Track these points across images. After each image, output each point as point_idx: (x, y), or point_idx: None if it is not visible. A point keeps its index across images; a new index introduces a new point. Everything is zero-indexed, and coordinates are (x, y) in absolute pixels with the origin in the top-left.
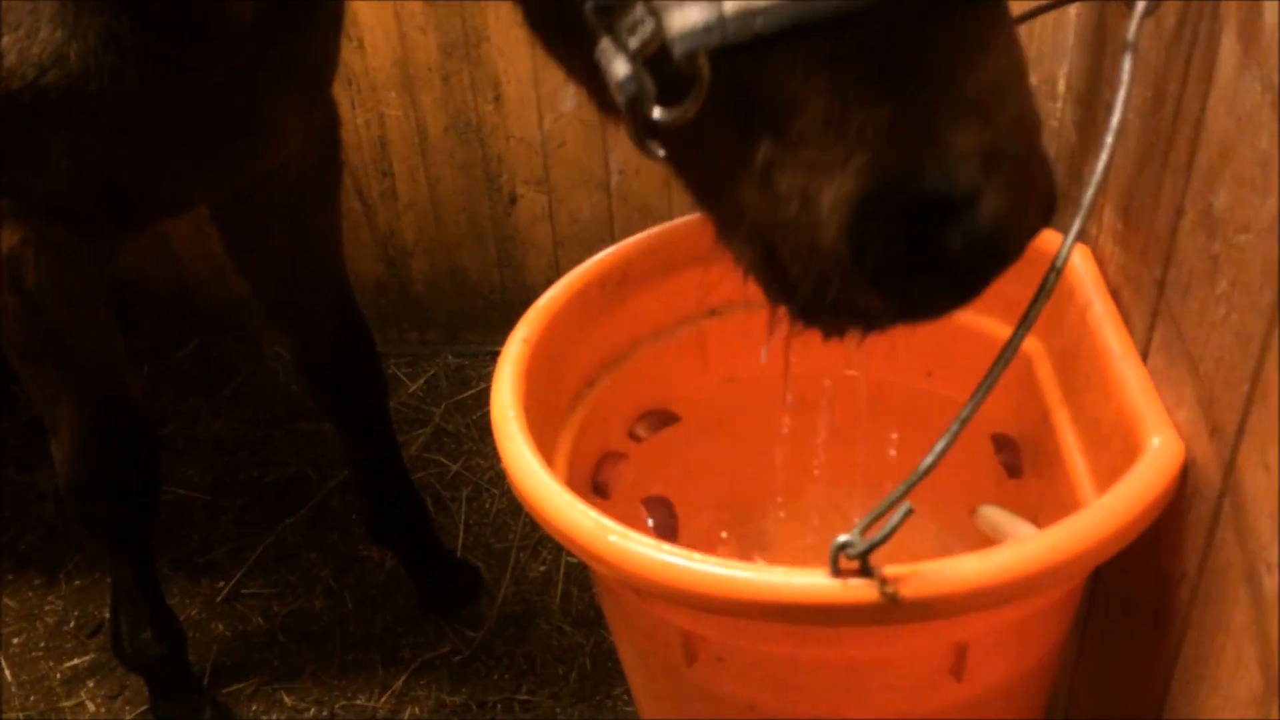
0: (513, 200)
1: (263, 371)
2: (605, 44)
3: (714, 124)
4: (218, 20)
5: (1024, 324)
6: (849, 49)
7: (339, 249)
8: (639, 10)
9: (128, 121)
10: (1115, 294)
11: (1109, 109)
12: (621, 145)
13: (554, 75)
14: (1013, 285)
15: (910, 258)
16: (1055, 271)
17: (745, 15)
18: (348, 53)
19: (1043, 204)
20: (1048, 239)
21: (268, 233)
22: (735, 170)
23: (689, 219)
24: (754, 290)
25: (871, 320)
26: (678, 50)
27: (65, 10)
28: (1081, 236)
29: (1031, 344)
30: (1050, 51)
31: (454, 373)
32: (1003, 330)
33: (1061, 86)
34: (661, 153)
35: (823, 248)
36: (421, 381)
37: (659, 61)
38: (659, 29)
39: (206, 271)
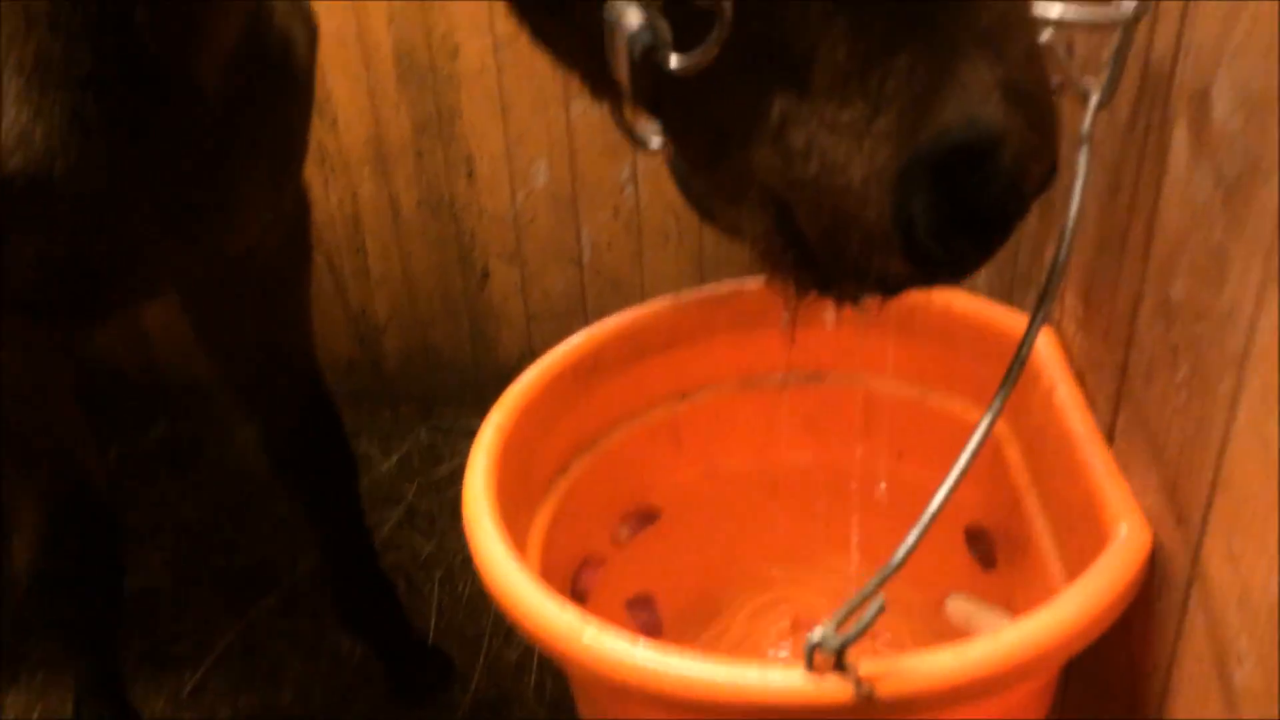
0: (485, 275)
1: (232, 453)
2: None
3: (724, 78)
4: (185, 93)
5: (992, 411)
6: None
7: (309, 332)
8: None
9: (94, 205)
10: (1079, 377)
11: (1067, 194)
12: (593, 220)
13: (526, 151)
14: (980, 365)
15: (952, 222)
16: (1020, 362)
17: None
18: (321, 131)
19: (1052, 139)
20: (1012, 320)
21: (236, 317)
22: (746, 128)
23: (660, 302)
24: (725, 370)
25: (896, 285)
26: None
27: (30, 88)
28: (1045, 319)
29: (1000, 427)
30: None
31: (427, 450)
32: (971, 411)
33: None
34: (655, 141)
35: (862, 219)
36: (394, 459)
37: (669, 10)
38: None
39: (176, 350)
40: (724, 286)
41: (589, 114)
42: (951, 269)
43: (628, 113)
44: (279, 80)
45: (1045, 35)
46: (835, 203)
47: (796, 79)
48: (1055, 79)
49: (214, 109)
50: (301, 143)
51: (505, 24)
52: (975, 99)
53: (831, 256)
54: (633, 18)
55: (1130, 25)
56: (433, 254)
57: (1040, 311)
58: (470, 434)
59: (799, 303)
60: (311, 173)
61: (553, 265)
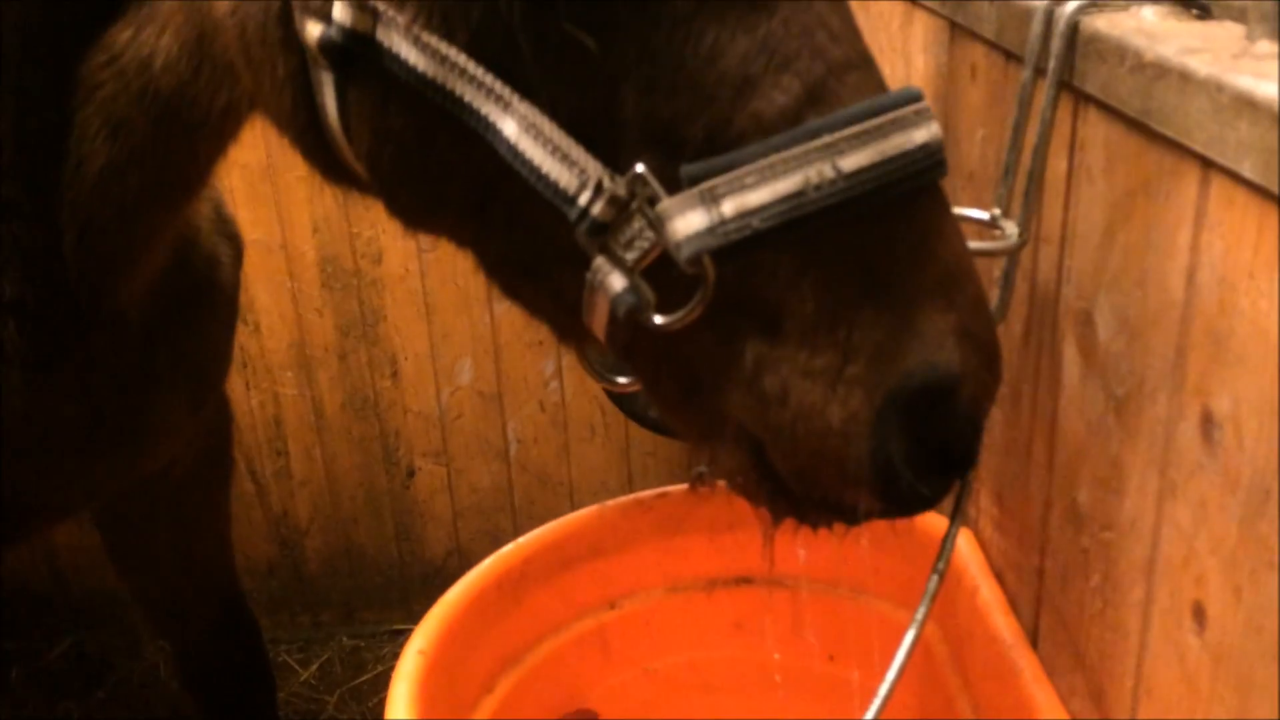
0: (411, 474)
1: (142, 668)
2: (600, 263)
3: (699, 329)
4: (109, 319)
5: (916, 625)
6: (828, 246)
7: (226, 547)
8: (636, 225)
9: (10, 428)
10: (999, 577)
11: None
12: (519, 415)
13: (451, 350)
14: (902, 566)
15: (926, 462)
16: (939, 574)
17: (743, 215)
18: (244, 336)
19: (1000, 375)
20: (934, 522)
21: (150, 535)
22: (721, 374)
23: (585, 512)
24: (652, 577)
25: (867, 516)
26: (685, 253)
27: None
28: (963, 520)
29: (929, 628)
30: None
31: (349, 656)
32: (899, 611)
33: None
34: (622, 380)
35: (840, 458)
36: (314, 668)
37: (652, 274)
38: (661, 238)
39: (83, 561)
40: (649, 494)
41: (512, 312)
42: (922, 501)
43: (593, 354)
44: (204, 301)
45: None
46: (812, 443)
47: (768, 330)
48: None
49: (137, 333)
50: (225, 359)
51: None
52: (934, 345)
53: (806, 490)
54: (616, 282)
55: (1014, 252)
56: (356, 454)
57: (956, 524)
58: (395, 636)
59: (773, 531)
60: (233, 378)
61: (479, 461)
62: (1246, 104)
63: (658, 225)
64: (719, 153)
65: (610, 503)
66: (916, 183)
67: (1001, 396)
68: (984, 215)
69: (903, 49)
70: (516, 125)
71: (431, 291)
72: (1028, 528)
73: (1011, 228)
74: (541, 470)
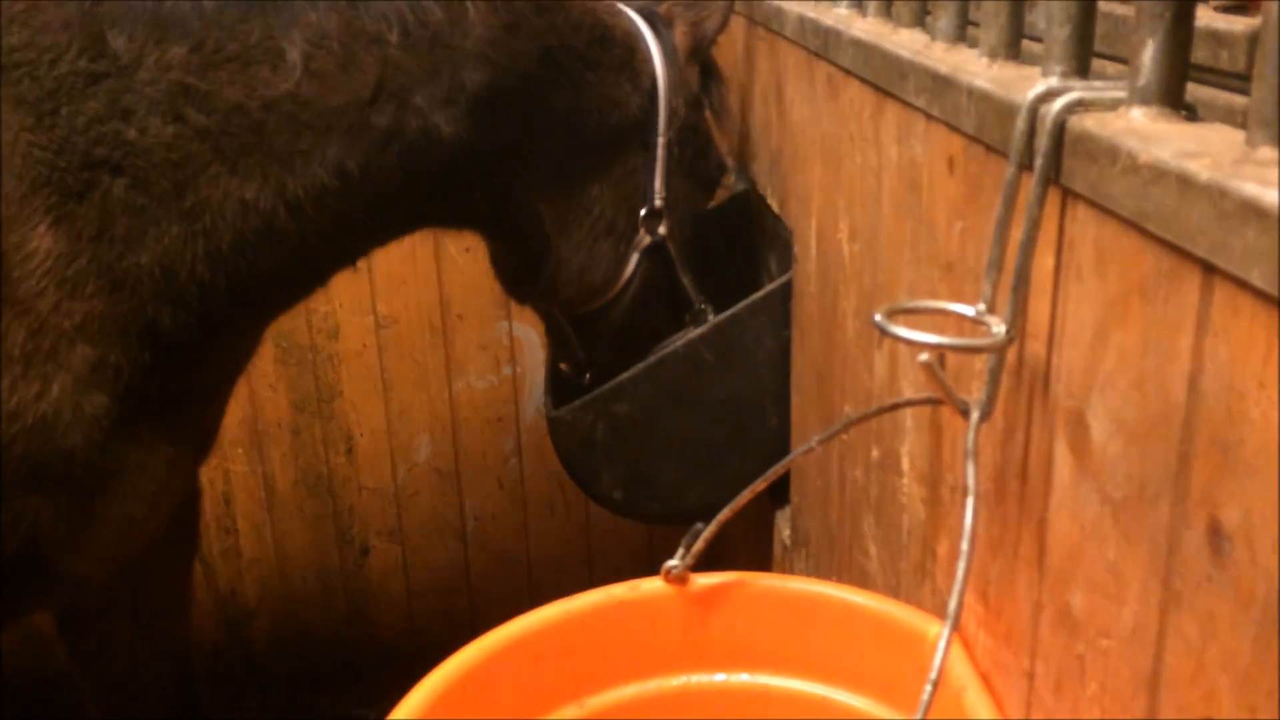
0: (364, 552)
1: None
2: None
3: None
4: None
5: None
6: None
7: (187, 629)
8: None
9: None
10: (985, 678)
11: (953, 491)
12: (477, 493)
13: (408, 427)
14: (881, 662)
15: None
16: (932, 683)
17: None
18: None
19: None
20: (909, 615)
21: (109, 611)
22: None
23: (552, 608)
24: (622, 676)
25: None
26: None
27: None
28: (955, 626)
29: None
30: (891, 429)
31: None
32: (876, 709)
33: (905, 464)
34: None
35: None
36: None
37: None
38: None
39: (18, 644)
40: (620, 587)
41: (471, 389)
42: None
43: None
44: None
45: (923, 356)
46: None
47: None
48: (936, 394)
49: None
50: (219, 422)
51: (386, 305)
52: None
53: None
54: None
55: (1002, 349)
56: (308, 532)
57: (947, 629)
58: None
59: None
60: None
61: (435, 540)
62: (1253, 212)
63: None
64: None
65: (579, 596)
66: None
67: (987, 491)
68: (969, 310)
69: (875, 138)
70: None
71: (389, 367)
72: (1016, 629)
73: (998, 324)
74: (500, 549)
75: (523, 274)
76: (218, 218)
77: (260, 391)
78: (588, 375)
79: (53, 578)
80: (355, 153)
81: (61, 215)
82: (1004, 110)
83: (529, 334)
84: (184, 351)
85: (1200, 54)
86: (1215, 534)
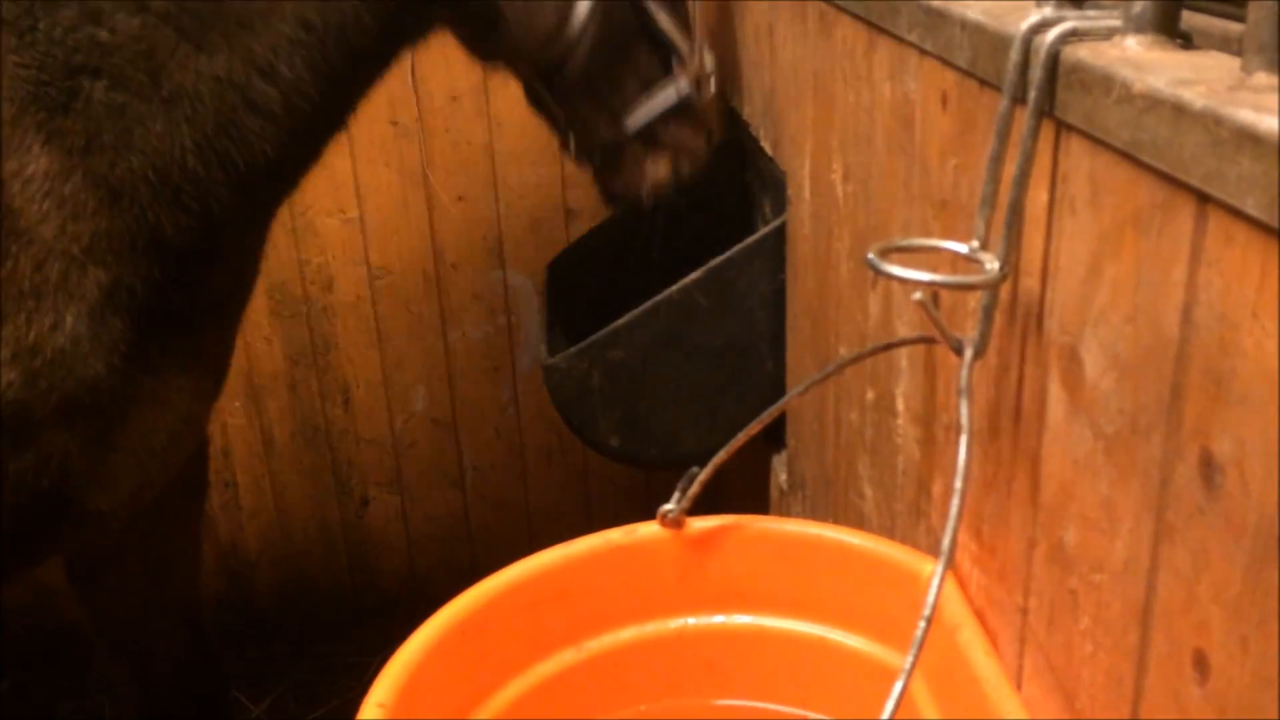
0: (364, 503)
1: (83, 712)
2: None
3: None
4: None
5: (905, 673)
6: None
7: (197, 578)
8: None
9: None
10: (979, 615)
11: (947, 430)
12: (475, 442)
13: (404, 377)
14: (877, 602)
15: None
16: (926, 620)
17: None
18: None
19: None
20: (903, 554)
21: (124, 562)
22: None
23: (550, 553)
24: (620, 620)
25: None
26: None
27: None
28: (950, 563)
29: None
30: (885, 371)
31: (302, 690)
32: (872, 648)
33: (900, 405)
34: None
35: None
36: (266, 704)
37: None
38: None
39: (24, 598)
40: (616, 531)
41: (467, 339)
42: None
43: None
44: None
45: (916, 294)
46: None
47: None
48: (929, 333)
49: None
50: (231, 350)
51: (379, 255)
52: None
53: None
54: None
55: (995, 286)
56: (308, 484)
57: (941, 566)
58: (349, 670)
59: None
60: None
61: (434, 489)
62: (1249, 138)
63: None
64: None
65: (576, 541)
66: None
67: (980, 430)
68: (963, 248)
69: (867, 76)
70: None
71: (384, 318)
72: (1009, 565)
73: (991, 261)
74: (498, 497)
75: (480, 38)
76: (196, 102)
77: (255, 344)
78: (572, 139)
79: (78, 514)
80: None
81: (52, 132)
82: (998, 42)
83: (524, 283)
84: (190, 262)
85: None
86: (1207, 465)
